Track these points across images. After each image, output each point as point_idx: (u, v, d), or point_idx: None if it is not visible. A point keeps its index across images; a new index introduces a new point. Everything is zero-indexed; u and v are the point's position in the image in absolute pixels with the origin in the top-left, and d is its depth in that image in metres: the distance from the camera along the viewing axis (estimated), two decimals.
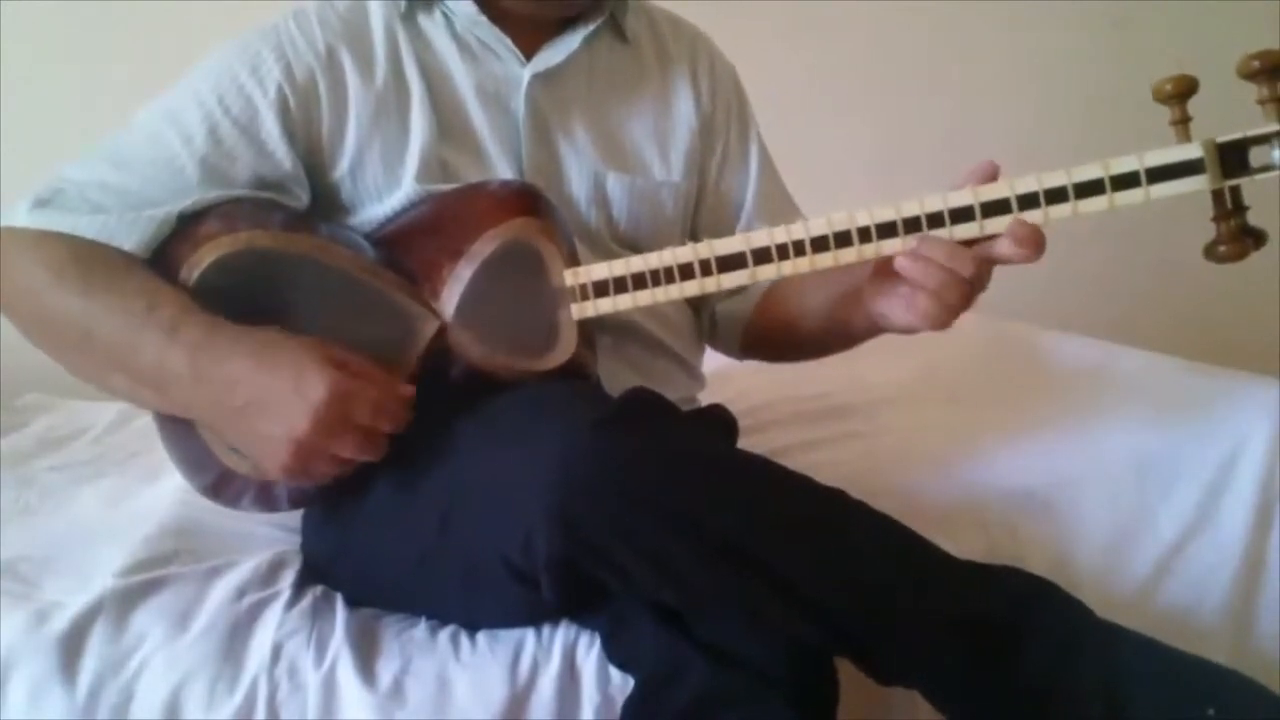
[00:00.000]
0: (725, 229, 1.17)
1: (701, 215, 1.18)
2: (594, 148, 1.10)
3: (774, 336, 1.16)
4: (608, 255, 1.07)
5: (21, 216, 0.97)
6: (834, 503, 0.86)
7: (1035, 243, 0.84)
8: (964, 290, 0.86)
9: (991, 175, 0.87)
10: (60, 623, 0.96)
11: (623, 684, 0.92)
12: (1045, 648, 0.82)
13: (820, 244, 0.90)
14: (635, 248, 1.10)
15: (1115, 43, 2.20)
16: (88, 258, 0.95)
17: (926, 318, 0.87)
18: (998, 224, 0.85)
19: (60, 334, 0.97)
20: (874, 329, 0.97)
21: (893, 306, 0.90)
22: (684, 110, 1.15)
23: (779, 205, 1.20)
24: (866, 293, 0.93)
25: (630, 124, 1.13)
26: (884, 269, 0.91)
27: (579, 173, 1.09)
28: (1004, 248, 0.85)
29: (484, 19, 1.06)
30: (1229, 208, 0.83)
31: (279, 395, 0.89)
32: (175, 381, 0.92)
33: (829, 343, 1.10)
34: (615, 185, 1.10)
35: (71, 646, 0.94)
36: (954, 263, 0.85)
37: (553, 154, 1.09)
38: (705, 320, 1.21)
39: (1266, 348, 1.87)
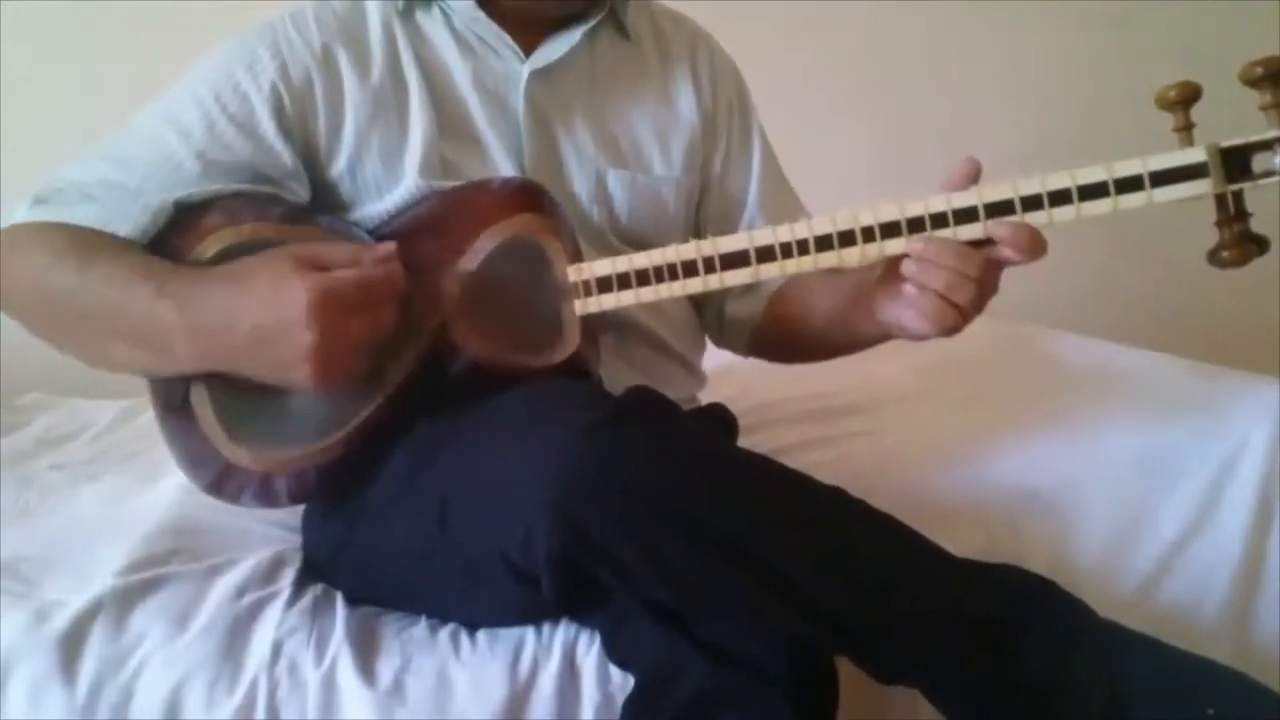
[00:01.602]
0: (731, 226, 1.17)
1: (707, 213, 1.18)
2: (595, 144, 1.10)
3: (782, 339, 1.16)
4: (610, 252, 1.07)
5: (21, 215, 0.98)
6: (834, 501, 0.86)
7: (1034, 247, 0.84)
8: (971, 290, 0.85)
9: (972, 176, 0.87)
10: (60, 622, 0.96)
11: (623, 682, 0.92)
12: (1046, 646, 0.82)
13: (824, 243, 0.90)
14: (638, 244, 1.10)
15: (1115, 43, 2.20)
16: (87, 242, 0.96)
17: (933, 321, 0.87)
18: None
19: (59, 314, 0.97)
20: (883, 335, 0.96)
21: (902, 312, 0.90)
22: (685, 107, 1.15)
23: (782, 201, 1.20)
24: (875, 298, 0.93)
25: (631, 120, 1.13)
26: (891, 274, 0.90)
27: (580, 170, 1.09)
28: (1004, 251, 0.85)
29: (482, 15, 1.06)
30: (1231, 213, 0.83)
31: (270, 319, 0.89)
32: (171, 337, 0.92)
33: (835, 346, 1.10)
34: (616, 182, 1.10)
35: (71, 646, 0.94)
36: (959, 262, 0.85)
37: (554, 151, 1.09)
38: (712, 319, 1.21)
39: (1266, 348, 1.87)
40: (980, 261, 0.85)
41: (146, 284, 0.93)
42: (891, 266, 0.90)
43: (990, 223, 0.85)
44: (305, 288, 0.88)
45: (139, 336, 0.94)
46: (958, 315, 0.87)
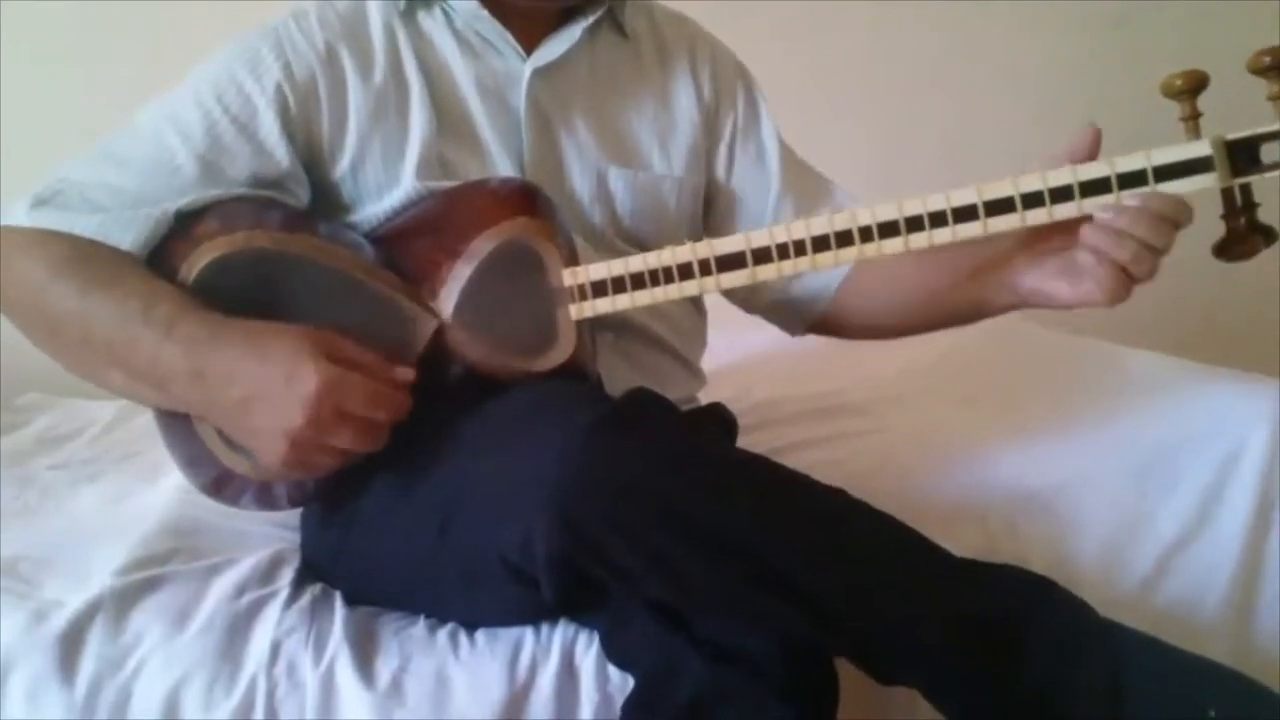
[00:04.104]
0: (752, 215, 1.16)
1: (716, 212, 1.18)
2: (595, 143, 1.10)
3: (868, 320, 1.15)
4: (611, 252, 1.07)
5: (21, 216, 0.98)
6: (834, 501, 0.86)
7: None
8: (1153, 263, 0.83)
9: (1092, 149, 0.84)
10: (59, 621, 0.96)
11: (622, 683, 0.92)
12: (1046, 646, 0.82)
13: (821, 243, 0.89)
14: (639, 244, 1.10)
15: (1116, 42, 2.19)
16: (85, 256, 0.95)
17: (1110, 293, 0.85)
18: (999, 223, 0.85)
19: (58, 331, 0.97)
20: (1019, 305, 0.95)
21: (1057, 283, 0.88)
22: (685, 105, 1.15)
23: (808, 182, 1.19)
24: (1017, 269, 0.91)
25: (631, 119, 1.13)
26: (1037, 242, 0.89)
27: (581, 169, 1.09)
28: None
29: (485, 14, 1.06)
30: (1239, 205, 0.82)
31: (273, 389, 0.89)
32: (171, 378, 0.93)
33: (945, 321, 1.09)
34: (617, 180, 1.10)
35: (70, 645, 0.94)
36: (1151, 233, 0.82)
37: (554, 150, 1.09)
38: (745, 294, 1.19)
39: (1266, 348, 1.87)
40: (1171, 233, 0.81)
41: (153, 325, 0.92)
42: (1035, 236, 0.88)
43: (992, 220, 0.84)
44: (318, 375, 0.88)
45: (141, 373, 0.94)
46: (1131, 287, 0.85)
